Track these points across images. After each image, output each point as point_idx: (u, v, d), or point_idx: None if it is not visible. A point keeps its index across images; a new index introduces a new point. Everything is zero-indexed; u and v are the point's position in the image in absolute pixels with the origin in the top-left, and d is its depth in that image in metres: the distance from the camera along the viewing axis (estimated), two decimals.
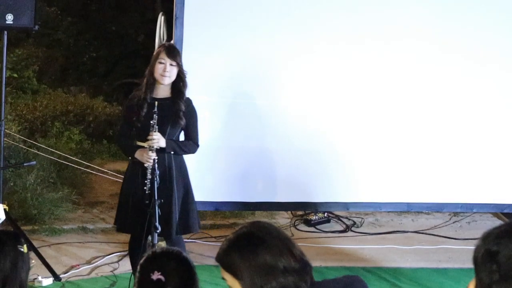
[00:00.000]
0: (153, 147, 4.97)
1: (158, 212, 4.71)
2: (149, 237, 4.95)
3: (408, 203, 6.52)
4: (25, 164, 7.02)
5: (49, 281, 5.68)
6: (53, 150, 8.65)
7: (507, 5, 6.37)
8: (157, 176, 4.81)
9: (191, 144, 5.19)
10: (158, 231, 4.66)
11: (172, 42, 6.03)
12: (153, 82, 5.10)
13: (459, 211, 7.25)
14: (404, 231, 7.49)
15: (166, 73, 5.04)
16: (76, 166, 8.41)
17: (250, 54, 6.06)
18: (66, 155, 8.59)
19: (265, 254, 2.31)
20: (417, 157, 6.35)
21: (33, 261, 3.07)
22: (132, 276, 5.28)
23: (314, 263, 2.53)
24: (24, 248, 2.92)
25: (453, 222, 7.58)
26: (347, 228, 7.49)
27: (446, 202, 6.39)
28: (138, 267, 2.70)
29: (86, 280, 5.85)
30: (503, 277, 1.76)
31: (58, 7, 14.24)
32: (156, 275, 2.60)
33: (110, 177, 8.42)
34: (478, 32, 6.34)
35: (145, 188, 4.93)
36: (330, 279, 2.47)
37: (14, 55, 12.06)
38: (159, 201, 4.73)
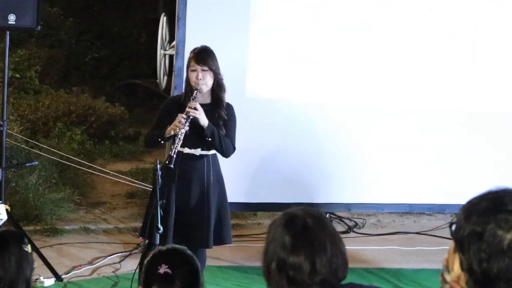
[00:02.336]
0: (189, 114, 4.73)
1: (160, 213, 4.66)
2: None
3: (410, 204, 6.52)
4: (27, 165, 7.03)
5: (51, 281, 5.68)
6: (55, 151, 8.65)
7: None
8: (159, 177, 4.73)
9: (229, 142, 4.97)
10: (160, 231, 4.62)
11: (174, 43, 6.03)
12: (190, 90, 4.91)
13: None
14: (406, 232, 7.48)
15: (199, 80, 4.85)
16: (78, 167, 8.41)
17: (252, 55, 6.06)
18: (68, 156, 8.58)
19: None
20: (419, 158, 6.35)
21: (35, 262, 3.07)
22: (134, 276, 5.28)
23: None
24: (28, 248, 2.93)
25: None
26: (349, 229, 7.49)
27: (448, 203, 6.39)
28: (144, 265, 2.70)
29: (88, 281, 5.85)
30: (492, 254, 1.78)
31: (60, 7, 14.24)
32: (163, 268, 2.60)
33: (112, 178, 8.42)
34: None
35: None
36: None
37: (16, 56, 12.07)
38: (161, 202, 4.68)
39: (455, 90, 6.38)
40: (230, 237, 5.13)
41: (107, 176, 8.50)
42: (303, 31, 6.12)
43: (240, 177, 6.12)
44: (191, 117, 4.77)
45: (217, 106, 4.95)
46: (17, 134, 8.51)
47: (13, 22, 5.64)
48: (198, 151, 4.92)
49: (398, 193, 6.43)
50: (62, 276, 5.79)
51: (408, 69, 6.30)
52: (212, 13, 5.98)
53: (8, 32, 5.88)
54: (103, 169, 8.68)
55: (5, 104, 5.93)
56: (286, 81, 6.14)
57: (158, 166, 4.76)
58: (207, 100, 4.96)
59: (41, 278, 5.64)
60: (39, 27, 5.77)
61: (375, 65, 6.24)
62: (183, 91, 5.06)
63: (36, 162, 6.73)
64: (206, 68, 4.89)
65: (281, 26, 6.08)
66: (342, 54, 6.19)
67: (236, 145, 5.85)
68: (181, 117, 4.75)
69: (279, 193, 6.16)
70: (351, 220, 7.68)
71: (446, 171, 6.40)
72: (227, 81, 5.96)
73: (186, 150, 4.90)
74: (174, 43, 6.17)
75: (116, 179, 8.30)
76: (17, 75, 11.61)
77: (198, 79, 4.86)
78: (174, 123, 4.77)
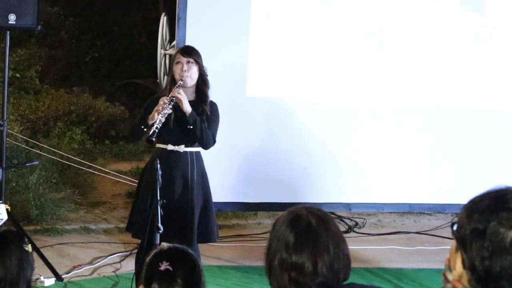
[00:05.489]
0: (172, 97, 4.71)
1: (161, 213, 4.65)
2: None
3: (410, 204, 6.52)
4: (27, 164, 7.02)
5: (51, 281, 5.67)
6: (56, 150, 8.66)
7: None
8: (159, 177, 4.70)
9: (211, 134, 4.92)
10: (160, 231, 4.60)
11: (174, 42, 6.03)
12: (175, 85, 4.86)
13: None
14: (406, 232, 7.49)
15: (184, 72, 4.83)
16: (79, 167, 8.41)
17: (252, 55, 6.06)
18: (68, 155, 8.59)
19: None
20: (419, 158, 6.35)
21: (35, 262, 3.07)
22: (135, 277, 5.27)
23: None
24: (29, 248, 2.93)
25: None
26: (350, 229, 7.49)
27: (448, 203, 6.39)
28: (145, 263, 2.69)
29: (88, 281, 5.85)
30: (495, 251, 1.79)
31: (60, 7, 14.26)
32: (164, 265, 2.59)
33: (112, 178, 8.42)
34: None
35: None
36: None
37: (17, 55, 12.08)
38: (161, 201, 4.66)
39: (455, 90, 6.38)
40: (215, 235, 5.11)
41: (108, 176, 8.51)
42: (304, 30, 6.12)
43: (241, 177, 6.13)
44: (174, 100, 4.75)
45: (201, 101, 4.92)
46: (17, 134, 8.51)
47: (14, 22, 5.64)
48: (182, 148, 4.91)
49: (398, 193, 6.43)
50: (63, 276, 5.78)
51: (408, 69, 6.30)
52: (213, 12, 5.98)
53: (8, 32, 5.87)
54: (103, 168, 8.68)
55: (5, 104, 5.92)
56: (287, 81, 6.14)
57: (158, 166, 4.74)
58: (191, 97, 4.91)
59: (42, 278, 5.64)
60: (39, 27, 5.76)
61: (377, 65, 6.24)
62: (168, 87, 4.99)
63: (36, 162, 6.72)
64: (191, 60, 4.87)
65: (282, 25, 6.08)
66: (344, 54, 6.19)
67: (236, 145, 5.83)
68: (165, 99, 4.74)
69: (279, 193, 6.16)
70: (351, 220, 7.68)
71: (446, 170, 6.40)
72: (227, 81, 5.97)
73: (170, 147, 4.88)
74: (174, 42, 6.17)
75: (117, 179, 8.30)
76: (18, 75, 11.62)
77: (183, 71, 4.84)
78: (157, 105, 4.74)
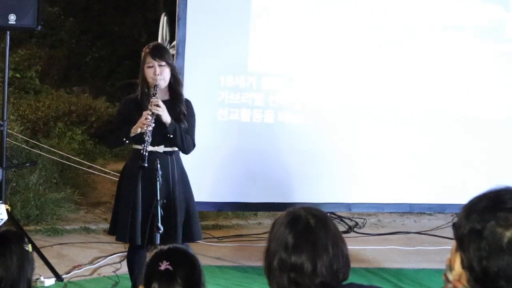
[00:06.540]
0: (153, 110, 4.70)
1: (161, 213, 4.62)
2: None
3: (410, 204, 6.52)
4: (27, 165, 7.02)
5: (51, 281, 5.67)
6: (56, 151, 8.66)
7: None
8: (159, 177, 4.68)
9: (190, 140, 4.94)
10: (160, 231, 4.58)
11: (174, 43, 6.03)
12: (147, 87, 4.87)
13: None
14: (407, 232, 7.49)
15: (157, 76, 4.81)
16: (79, 167, 8.41)
17: (252, 55, 6.06)
18: (68, 156, 8.59)
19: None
20: (420, 158, 6.35)
21: (35, 262, 3.07)
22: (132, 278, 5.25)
23: None
24: (29, 248, 2.93)
25: None
26: (350, 229, 7.49)
27: (448, 203, 6.39)
28: (145, 264, 2.69)
29: (88, 281, 5.85)
30: (492, 251, 1.79)
31: (60, 7, 14.26)
32: (164, 265, 2.59)
33: (112, 178, 8.41)
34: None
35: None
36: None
37: (17, 56, 12.08)
38: (161, 202, 4.64)
39: (456, 91, 6.38)
40: (199, 234, 5.11)
41: (108, 176, 8.51)
42: (304, 31, 6.12)
43: (241, 178, 6.13)
44: (155, 113, 4.74)
45: (177, 101, 4.90)
46: (17, 134, 8.51)
47: (14, 22, 5.64)
48: (161, 148, 4.88)
49: (398, 193, 6.43)
50: (63, 276, 5.78)
51: (409, 69, 6.30)
52: (213, 13, 5.98)
53: (8, 32, 5.87)
54: (103, 169, 8.68)
55: (6, 104, 5.92)
56: (287, 81, 6.14)
57: (159, 166, 4.72)
58: (165, 96, 4.90)
59: (42, 278, 5.64)
60: (39, 27, 5.76)
61: (377, 65, 6.24)
62: (139, 89, 4.98)
63: (37, 162, 6.72)
64: (163, 63, 4.85)
65: (282, 26, 6.08)
66: (344, 54, 6.19)
67: (236, 145, 5.82)
68: (147, 114, 4.73)
69: (279, 193, 6.16)
70: (351, 220, 7.68)
71: (447, 171, 6.40)
72: (227, 81, 5.97)
73: (149, 148, 4.85)
74: (174, 43, 6.18)
75: (116, 179, 8.28)
76: (18, 75, 11.62)
77: (155, 74, 4.83)
78: (140, 120, 4.73)
